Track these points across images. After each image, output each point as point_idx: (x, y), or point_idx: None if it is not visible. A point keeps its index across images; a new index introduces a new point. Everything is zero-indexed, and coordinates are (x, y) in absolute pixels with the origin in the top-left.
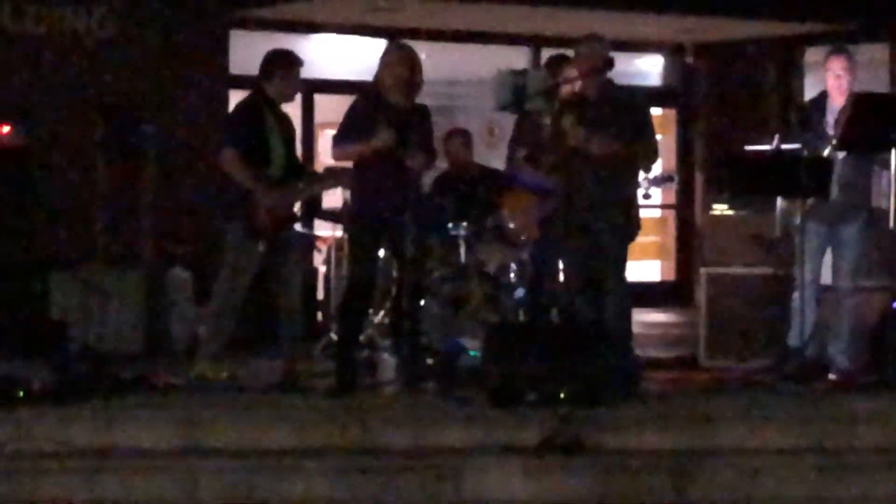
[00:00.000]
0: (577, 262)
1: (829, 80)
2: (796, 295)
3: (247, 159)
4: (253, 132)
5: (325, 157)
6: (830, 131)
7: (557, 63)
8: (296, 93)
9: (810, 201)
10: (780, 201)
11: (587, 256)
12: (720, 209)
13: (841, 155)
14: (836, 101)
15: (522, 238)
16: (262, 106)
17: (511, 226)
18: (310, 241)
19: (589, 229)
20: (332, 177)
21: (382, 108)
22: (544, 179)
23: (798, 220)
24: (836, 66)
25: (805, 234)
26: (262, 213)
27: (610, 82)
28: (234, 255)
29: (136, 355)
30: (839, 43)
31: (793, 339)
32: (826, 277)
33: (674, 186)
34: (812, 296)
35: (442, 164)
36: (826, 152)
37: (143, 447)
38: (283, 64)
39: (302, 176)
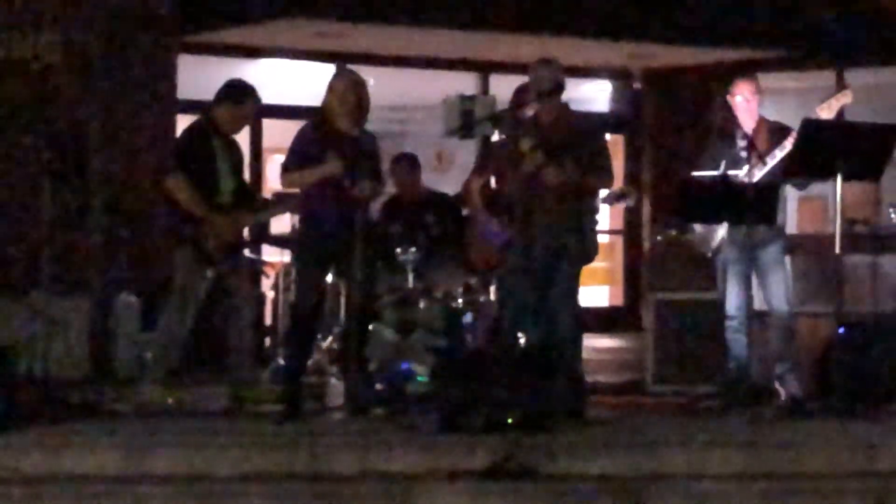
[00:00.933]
0: (530, 286)
1: (740, 104)
2: (727, 323)
3: (194, 185)
4: (199, 158)
5: (273, 182)
6: (743, 155)
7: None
8: (243, 125)
9: (726, 227)
10: (697, 227)
11: (541, 281)
12: (669, 235)
13: (756, 178)
14: (746, 125)
15: (483, 264)
16: (209, 132)
17: (472, 252)
18: (258, 267)
19: (545, 254)
20: (281, 203)
21: (330, 134)
22: (497, 230)
23: (714, 244)
24: (746, 89)
25: (727, 261)
26: (210, 238)
27: (566, 107)
28: (182, 281)
29: (82, 381)
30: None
31: (732, 367)
32: (761, 303)
33: (631, 203)
34: (742, 321)
35: (391, 190)
36: (740, 175)
37: (90, 473)
38: (235, 94)
39: (251, 202)
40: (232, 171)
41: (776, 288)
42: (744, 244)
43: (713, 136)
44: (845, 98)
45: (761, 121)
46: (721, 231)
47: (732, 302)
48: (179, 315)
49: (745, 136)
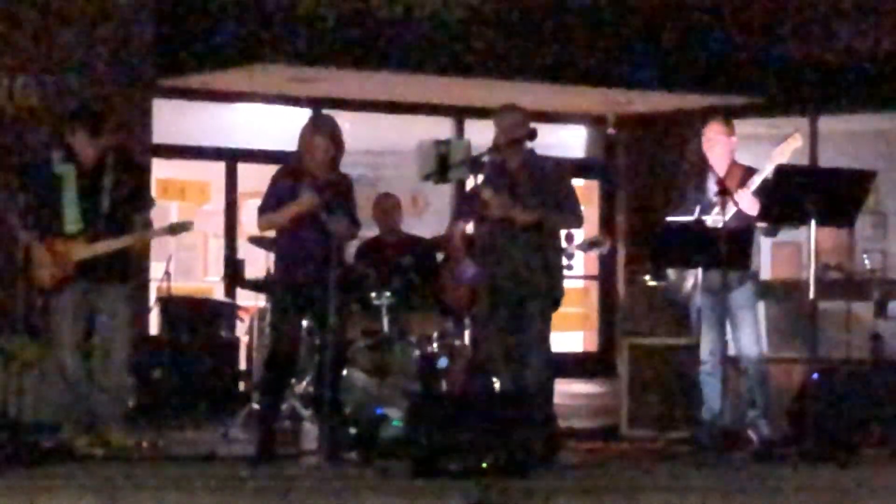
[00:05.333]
0: (500, 331)
1: (712, 147)
2: (702, 367)
3: (33, 212)
4: (41, 184)
5: (248, 226)
6: (713, 198)
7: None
8: (88, 157)
9: (699, 272)
10: (669, 273)
11: (511, 325)
12: (644, 280)
13: (720, 223)
14: (719, 168)
15: (458, 306)
16: (52, 158)
17: (447, 295)
18: (231, 311)
19: (513, 297)
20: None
21: (305, 177)
22: (473, 272)
23: (687, 289)
24: (718, 132)
25: (699, 307)
26: (35, 269)
27: (531, 152)
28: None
29: (56, 425)
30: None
31: (706, 411)
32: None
33: (604, 251)
34: (714, 366)
35: (364, 234)
36: (711, 220)
37: None
38: (91, 124)
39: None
40: (82, 198)
41: (746, 332)
42: (716, 289)
43: (685, 180)
44: (795, 142)
45: (733, 164)
46: (691, 277)
47: (705, 347)
48: (59, 356)
49: (717, 179)
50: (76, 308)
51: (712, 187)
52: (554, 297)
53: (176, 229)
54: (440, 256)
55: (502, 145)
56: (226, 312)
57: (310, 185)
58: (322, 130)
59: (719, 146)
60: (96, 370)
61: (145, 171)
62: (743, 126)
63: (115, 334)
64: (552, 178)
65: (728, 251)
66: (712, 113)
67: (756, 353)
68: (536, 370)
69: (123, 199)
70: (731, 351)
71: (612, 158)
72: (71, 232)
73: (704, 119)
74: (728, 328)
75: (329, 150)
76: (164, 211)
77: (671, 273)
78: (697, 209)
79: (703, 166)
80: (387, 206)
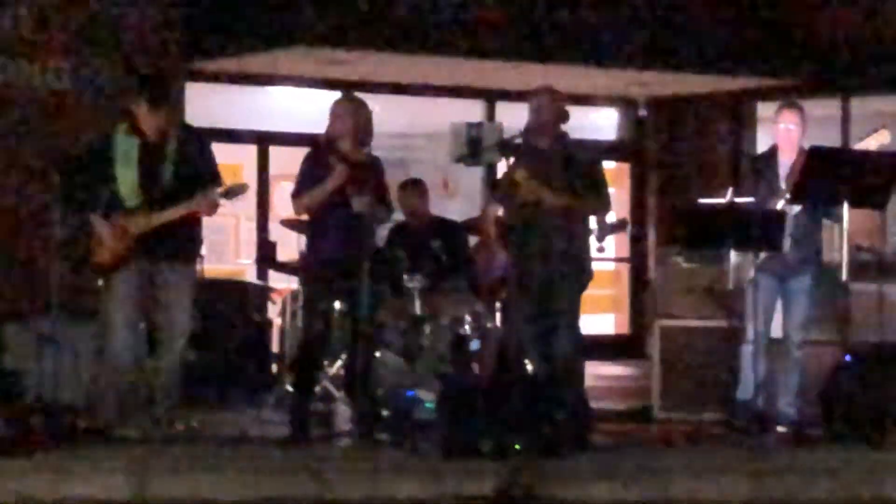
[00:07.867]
0: (530, 313)
1: (780, 134)
2: (745, 348)
3: (88, 189)
4: (92, 160)
5: (280, 208)
6: (782, 185)
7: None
8: (151, 129)
9: (763, 255)
10: (733, 255)
11: (540, 307)
12: (676, 262)
13: (795, 209)
14: (787, 155)
15: (490, 291)
16: (111, 133)
17: (479, 279)
18: (263, 293)
19: (541, 279)
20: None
21: (335, 157)
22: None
23: (751, 274)
24: (788, 119)
25: (756, 288)
26: (91, 248)
27: (564, 135)
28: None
29: (90, 406)
30: (791, 98)
31: (741, 392)
32: (776, 330)
33: (628, 232)
34: (761, 349)
35: (397, 217)
36: (779, 206)
37: (98, 498)
38: (147, 91)
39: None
40: (140, 172)
41: (797, 317)
42: (779, 273)
43: (748, 163)
44: (882, 137)
45: (801, 151)
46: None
47: (755, 328)
48: (108, 337)
49: (758, 168)
50: (132, 288)
51: (781, 174)
52: (582, 280)
53: (230, 193)
54: (472, 239)
55: (532, 128)
56: (258, 295)
57: (341, 161)
58: (350, 103)
59: (792, 133)
60: (151, 357)
61: (210, 148)
62: (771, 108)
63: (174, 320)
64: (583, 162)
65: (760, 233)
66: (744, 95)
67: (799, 337)
68: (566, 352)
69: (187, 175)
70: (773, 333)
71: (643, 140)
72: (130, 206)
73: (736, 101)
74: (779, 310)
75: (357, 128)
76: None
77: (735, 256)
78: (730, 191)
79: (773, 152)
80: (410, 192)
